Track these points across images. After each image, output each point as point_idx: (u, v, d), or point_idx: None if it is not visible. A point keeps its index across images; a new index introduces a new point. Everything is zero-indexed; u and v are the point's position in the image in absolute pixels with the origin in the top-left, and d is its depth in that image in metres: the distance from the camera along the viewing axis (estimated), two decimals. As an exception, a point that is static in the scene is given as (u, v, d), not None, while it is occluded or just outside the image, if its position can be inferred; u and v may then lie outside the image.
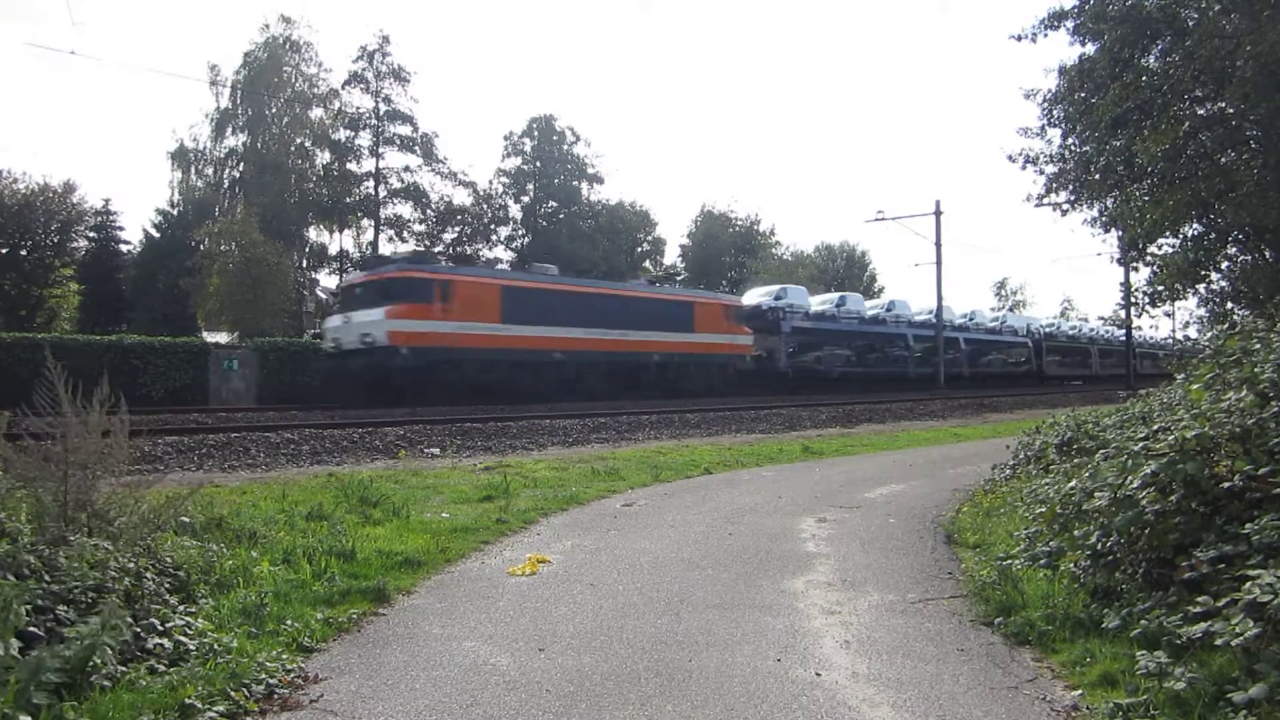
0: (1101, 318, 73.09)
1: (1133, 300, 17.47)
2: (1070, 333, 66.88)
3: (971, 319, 55.83)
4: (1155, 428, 5.99)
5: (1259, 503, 4.40)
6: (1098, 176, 16.26)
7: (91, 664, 3.73)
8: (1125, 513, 4.94)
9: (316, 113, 54.21)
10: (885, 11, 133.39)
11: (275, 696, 4.07)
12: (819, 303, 46.70)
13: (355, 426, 17.26)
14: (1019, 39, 15.84)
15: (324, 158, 54.35)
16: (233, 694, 3.92)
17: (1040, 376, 56.91)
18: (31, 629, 3.86)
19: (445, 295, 27.18)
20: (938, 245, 41.98)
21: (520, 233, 63.10)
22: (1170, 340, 65.60)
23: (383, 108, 53.84)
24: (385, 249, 52.60)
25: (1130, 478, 5.11)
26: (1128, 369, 51.41)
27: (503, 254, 61.06)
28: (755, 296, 43.95)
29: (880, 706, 4.03)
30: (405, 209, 56.34)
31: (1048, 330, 63.41)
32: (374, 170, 54.46)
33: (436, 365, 26.61)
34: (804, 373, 40.95)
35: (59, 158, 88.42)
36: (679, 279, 40.36)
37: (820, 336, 43.61)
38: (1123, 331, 70.63)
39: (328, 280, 56.02)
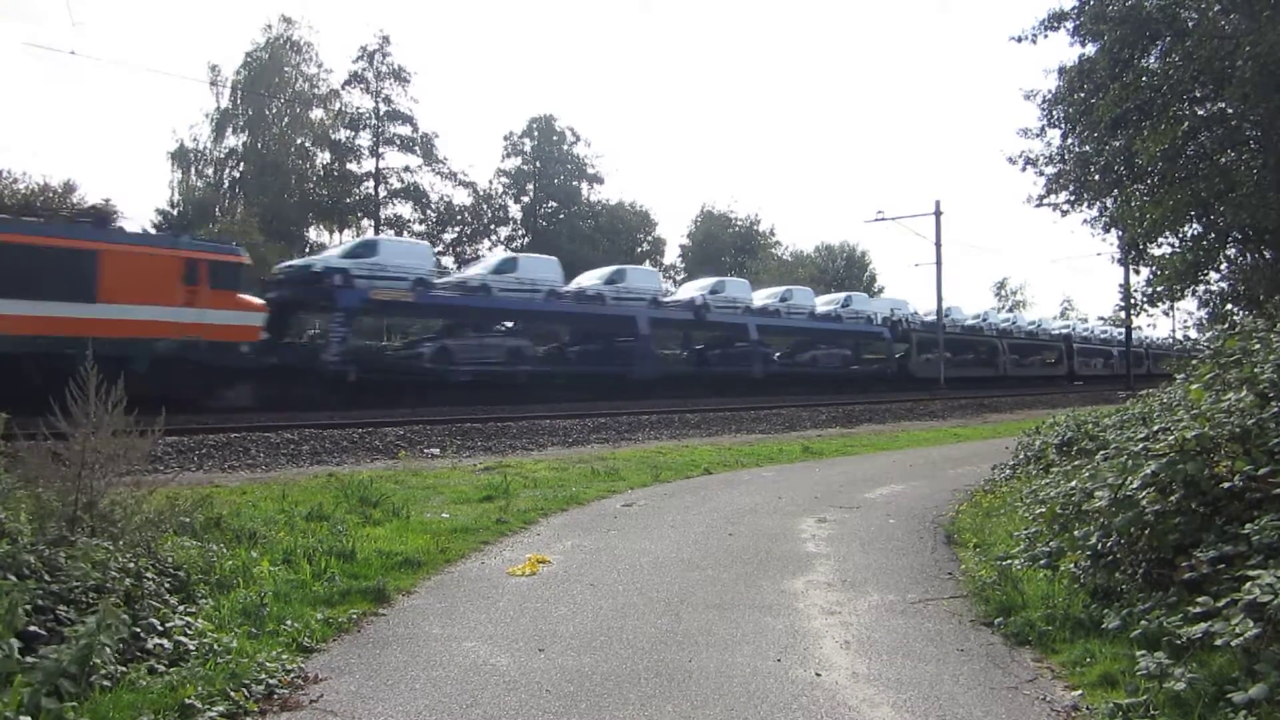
0: (1101, 318, 67.53)
1: (1132, 300, 17.45)
2: (970, 323, 51.33)
3: (785, 299, 40.72)
4: (1155, 428, 6.00)
5: (1259, 503, 4.40)
6: (1097, 177, 16.26)
7: (90, 664, 3.73)
8: (1125, 513, 4.94)
9: (317, 113, 54.25)
10: (885, 11, 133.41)
11: (275, 696, 4.07)
12: (483, 268, 31.92)
13: (355, 426, 17.26)
14: (1019, 40, 15.83)
15: (324, 158, 54.40)
16: (233, 694, 3.92)
17: (908, 378, 42.73)
18: (32, 628, 3.86)
19: None
20: (938, 245, 41.92)
21: (520, 233, 63.13)
22: (1143, 339, 57.38)
23: (383, 108, 53.87)
24: (385, 249, 52.55)
25: (1130, 478, 5.11)
26: (1127, 370, 47.12)
27: (503, 254, 61.10)
28: (329, 254, 29.89)
29: (880, 707, 4.03)
30: (405, 209, 56.47)
31: (927, 319, 46.84)
32: (374, 170, 54.49)
33: None
34: (392, 371, 26.88)
35: (59, 158, 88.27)
36: (115, 217, 24.10)
37: (448, 316, 29.76)
38: (1058, 324, 61.80)
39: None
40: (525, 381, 28.80)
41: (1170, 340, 51.44)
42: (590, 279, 34.48)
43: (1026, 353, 53.93)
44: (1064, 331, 58.88)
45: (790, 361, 40.66)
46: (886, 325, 44.44)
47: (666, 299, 36.25)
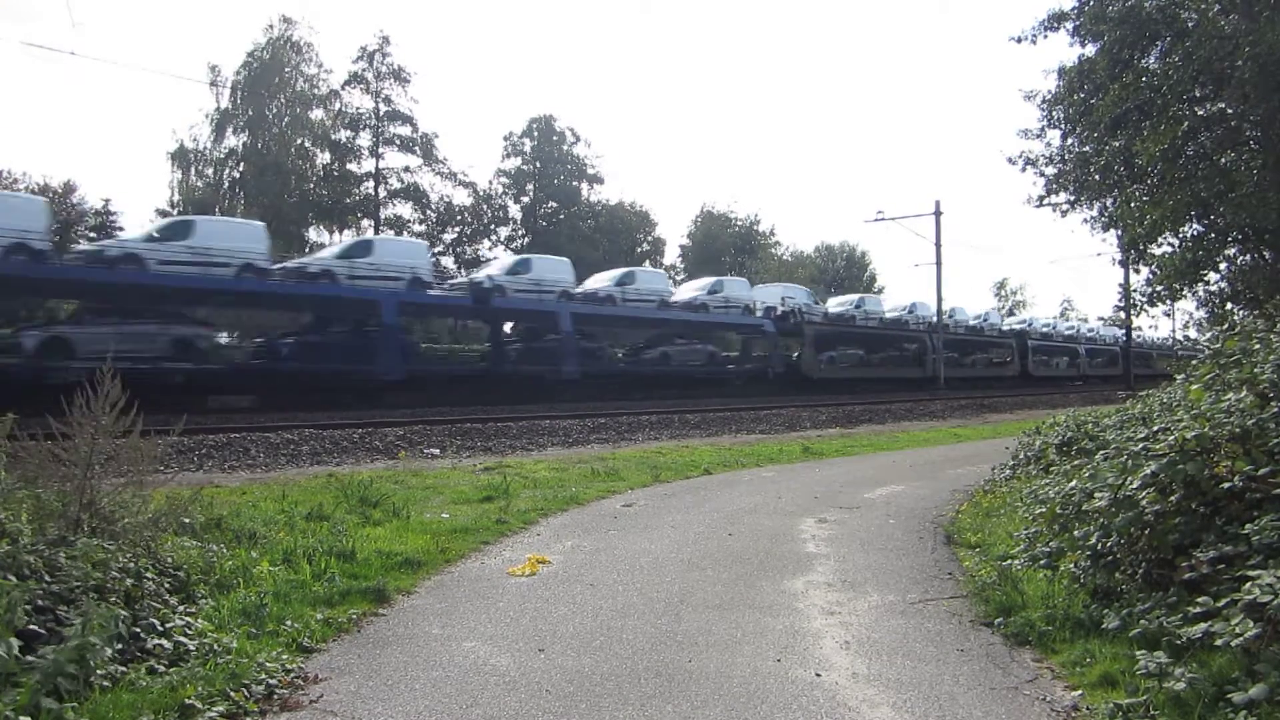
0: (1101, 318, 67.03)
1: (1131, 301, 17.46)
2: (892, 315, 44.34)
3: (624, 284, 33.81)
4: (1155, 428, 5.99)
5: (1259, 503, 4.40)
6: (1097, 177, 16.26)
7: (87, 664, 3.73)
8: (1125, 513, 4.94)
9: (317, 113, 54.24)
10: (885, 12, 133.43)
11: (275, 697, 4.07)
12: (141, 234, 24.71)
13: (355, 427, 17.26)
14: (1019, 41, 15.86)
15: (324, 158, 54.39)
16: (233, 694, 3.92)
17: (800, 380, 36.35)
18: (32, 628, 3.87)
19: None
20: (937, 246, 41.97)
21: (520, 233, 63.13)
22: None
23: (383, 108, 53.84)
24: (385, 250, 52.48)
25: (1130, 478, 5.11)
26: (1126, 370, 45.70)
27: (503, 254, 61.07)
28: None
29: (880, 707, 4.03)
30: (405, 209, 56.45)
31: (833, 310, 42.01)
32: (374, 170, 54.49)
33: None
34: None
35: (59, 158, 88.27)
36: None
37: (73, 296, 23.31)
38: (1013, 321, 59.01)
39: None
40: (183, 381, 21.52)
41: (1164, 341, 50.88)
42: (326, 253, 28.34)
43: (966, 351, 48.40)
44: (1018, 328, 54.24)
45: (634, 360, 33.95)
46: (770, 317, 37.23)
47: (451, 281, 29.69)
